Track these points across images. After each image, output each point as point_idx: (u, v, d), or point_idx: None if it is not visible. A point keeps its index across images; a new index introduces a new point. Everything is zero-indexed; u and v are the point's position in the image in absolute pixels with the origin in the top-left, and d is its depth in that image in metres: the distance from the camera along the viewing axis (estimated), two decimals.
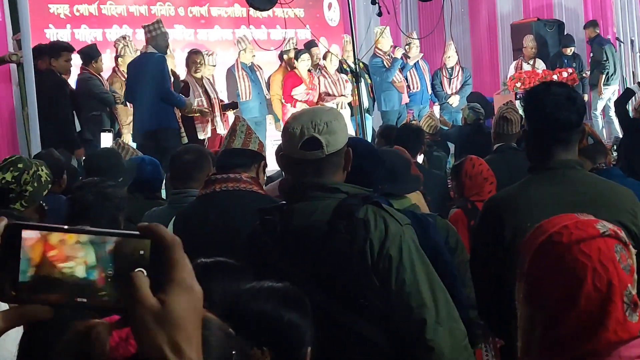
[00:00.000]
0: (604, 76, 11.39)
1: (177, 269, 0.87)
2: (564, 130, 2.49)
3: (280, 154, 2.54)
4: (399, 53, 11.12)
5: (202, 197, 3.21)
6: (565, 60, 12.03)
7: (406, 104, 11.22)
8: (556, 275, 1.30)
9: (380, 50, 11.04)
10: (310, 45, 10.86)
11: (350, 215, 2.30)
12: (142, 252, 0.88)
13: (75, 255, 0.88)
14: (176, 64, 9.85)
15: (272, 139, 9.73)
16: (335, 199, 2.34)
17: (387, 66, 10.96)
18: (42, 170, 3.60)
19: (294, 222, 2.38)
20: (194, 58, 9.11)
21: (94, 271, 0.88)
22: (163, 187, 5.41)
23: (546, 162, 2.50)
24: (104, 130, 7.63)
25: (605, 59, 11.46)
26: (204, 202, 3.18)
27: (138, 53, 8.97)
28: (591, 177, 2.59)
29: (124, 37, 9.71)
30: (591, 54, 11.93)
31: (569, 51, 12.09)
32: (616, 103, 6.32)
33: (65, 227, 0.89)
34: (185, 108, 8.38)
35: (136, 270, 0.87)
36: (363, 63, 10.22)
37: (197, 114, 8.60)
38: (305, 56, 9.95)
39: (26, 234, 0.88)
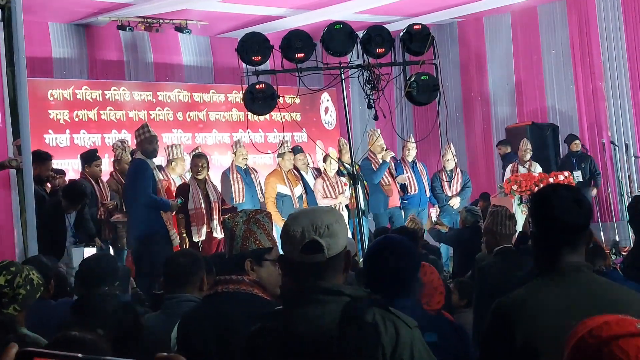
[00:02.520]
0: None
1: None
2: (571, 233, 2.46)
3: (279, 256, 2.50)
4: (387, 156, 11.17)
5: (205, 299, 3.21)
6: (574, 160, 12.15)
7: (399, 206, 11.21)
8: None
9: (372, 153, 11.13)
10: (295, 151, 10.92)
11: (358, 319, 2.23)
12: None
13: None
14: (174, 166, 9.92)
15: None
16: (338, 302, 2.28)
17: (374, 169, 11.04)
18: (34, 274, 3.61)
19: (300, 327, 2.30)
20: (196, 161, 9.31)
21: None
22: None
23: (554, 265, 2.46)
24: (88, 245, 7.69)
25: None
26: (206, 304, 3.17)
27: None
28: (600, 280, 2.53)
29: (122, 142, 9.81)
30: None
31: (575, 146, 12.24)
32: (629, 210, 6.19)
33: (80, 355, 0.85)
34: (170, 210, 8.38)
35: None
36: (359, 165, 10.31)
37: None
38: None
39: None
